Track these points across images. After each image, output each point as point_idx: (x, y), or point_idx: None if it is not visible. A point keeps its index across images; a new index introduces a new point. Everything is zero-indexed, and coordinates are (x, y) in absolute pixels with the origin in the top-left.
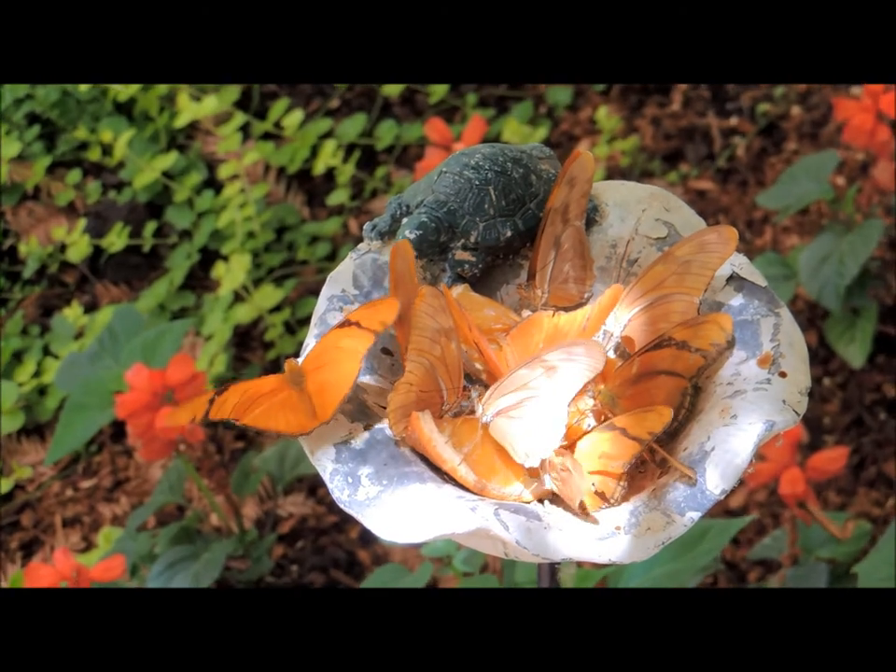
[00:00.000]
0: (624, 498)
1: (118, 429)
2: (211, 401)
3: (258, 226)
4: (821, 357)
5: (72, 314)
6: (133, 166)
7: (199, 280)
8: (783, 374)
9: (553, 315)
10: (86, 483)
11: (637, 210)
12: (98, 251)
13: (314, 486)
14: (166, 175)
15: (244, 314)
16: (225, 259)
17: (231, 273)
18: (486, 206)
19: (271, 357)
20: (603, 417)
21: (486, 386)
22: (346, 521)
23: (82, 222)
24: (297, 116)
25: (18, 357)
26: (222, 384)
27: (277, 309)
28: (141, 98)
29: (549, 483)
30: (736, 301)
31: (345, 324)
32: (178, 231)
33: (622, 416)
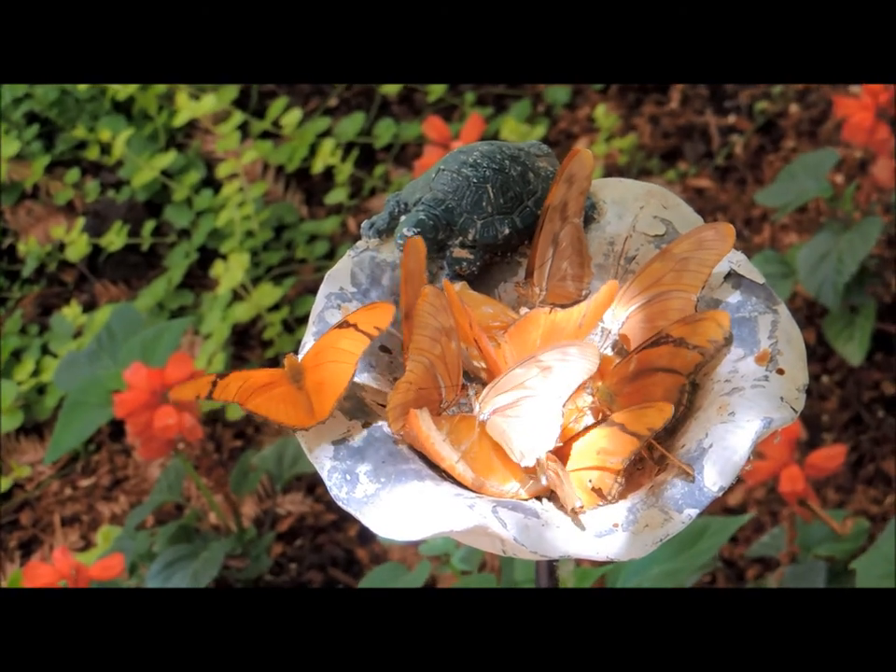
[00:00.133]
0: (622, 496)
1: (116, 428)
2: (214, 383)
3: (256, 225)
4: (820, 354)
5: (71, 313)
6: (131, 165)
7: (197, 279)
8: (781, 371)
9: (551, 312)
10: (85, 482)
11: (635, 207)
12: (97, 250)
13: (312, 485)
14: (165, 173)
15: (242, 312)
16: (224, 257)
17: (230, 271)
18: (484, 204)
19: (269, 355)
20: (601, 414)
21: (484, 384)
22: (345, 519)
23: (81, 221)
24: (295, 114)
25: (17, 355)
26: (221, 374)
27: (276, 308)
28: (140, 97)
29: (545, 481)
30: (734, 298)
31: (343, 325)
32: (177, 230)
33: (620, 412)
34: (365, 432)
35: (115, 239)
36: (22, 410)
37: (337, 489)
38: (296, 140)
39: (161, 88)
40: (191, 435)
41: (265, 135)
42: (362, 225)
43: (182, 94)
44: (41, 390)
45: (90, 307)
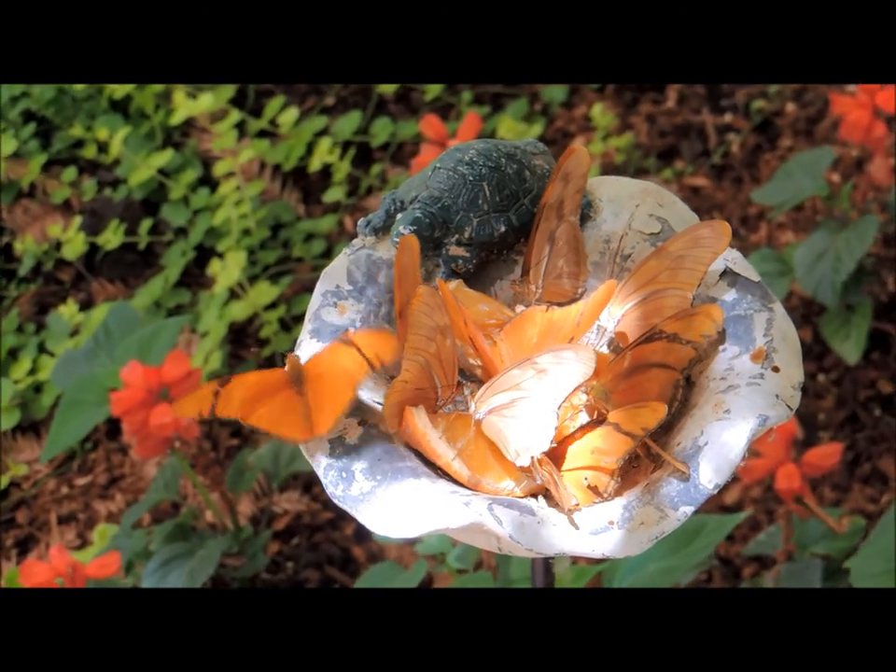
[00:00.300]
0: (618, 493)
1: (113, 427)
2: (216, 394)
3: (253, 223)
4: (816, 353)
5: (67, 311)
6: (128, 163)
7: (194, 277)
8: (776, 369)
9: (547, 310)
10: (81, 481)
11: (631, 205)
12: (93, 248)
13: (309, 483)
14: (162, 172)
15: (239, 311)
16: (220, 256)
17: (227, 270)
18: (480, 202)
19: (266, 353)
20: (595, 412)
21: (481, 382)
22: (341, 518)
23: (78, 220)
24: (292, 113)
25: (13, 354)
26: (222, 379)
27: (272, 306)
28: (137, 96)
29: (540, 480)
30: (730, 296)
31: (347, 341)
32: (174, 229)
33: (615, 412)
34: (361, 430)
35: (112, 237)
36: (19, 408)
37: (333, 487)
38: (293, 139)
39: (157, 87)
40: (188, 433)
41: (262, 134)
42: (358, 223)
43: (179, 93)
44: (38, 388)
45: (86, 305)
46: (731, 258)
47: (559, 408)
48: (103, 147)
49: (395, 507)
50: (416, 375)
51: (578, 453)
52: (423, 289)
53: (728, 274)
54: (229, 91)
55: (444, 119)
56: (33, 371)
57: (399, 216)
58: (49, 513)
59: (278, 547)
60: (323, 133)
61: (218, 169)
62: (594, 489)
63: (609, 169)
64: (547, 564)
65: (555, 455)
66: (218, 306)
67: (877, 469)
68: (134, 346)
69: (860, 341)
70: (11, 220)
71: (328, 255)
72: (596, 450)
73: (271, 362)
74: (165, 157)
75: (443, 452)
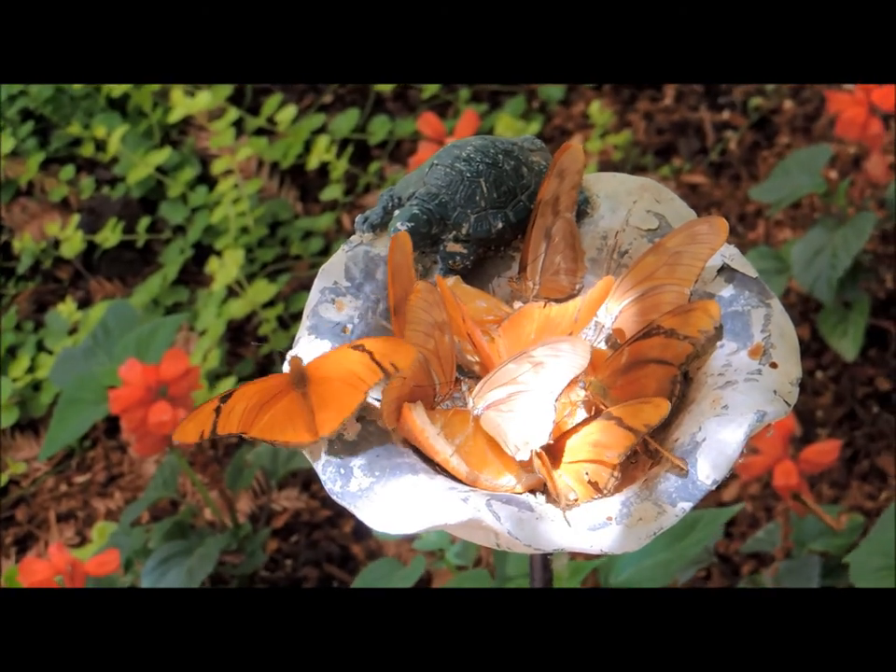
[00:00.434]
0: (617, 489)
1: (111, 424)
2: (217, 410)
3: (251, 221)
4: (814, 350)
5: (66, 309)
6: (126, 162)
7: (192, 275)
8: (774, 365)
9: (545, 307)
10: (80, 479)
11: (628, 202)
12: (92, 247)
13: (307, 481)
14: (160, 170)
15: (237, 309)
16: (218, 254)
17: (225, 268)
18: (478, 198)
19: (264, 351)
20: (594, 408)
21: (479, 378)
22: (340, 515)
23: (76, 218)
24: (290, 111)
25: (12, 352)
26: (224, 393)
27: (271, 304)
28: (134, 94)
29: (539, 474)
30: (727, 292)
31: (360, 347)
32: (172, 227)
33: (617, 406)
34: (359, 426)
35: (110, 236)
36: (18, 406)
37: (331, 483)
38: (291, 137)
39: (155, 85)
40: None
41: (260, 132)
42: (356, 219)
43: (177, 91)
44: (36, 387)
45: (85, 304)
46: (728, 254)
47: (557, 400)
48: (101, 146)
49: (393, 503)
50: (414, 371)
51: (578, 445)
52: (421, 286)
53: (725, 270)
54: (226, 89)
55: (442, 117)
56: (31, 370)
57: (396, 212)
58: (47, 511)
59: (277, 544)
60: (321, 130)
61: (216, 167)
62: (594, 484)
63: (606, 166)
64: (545, 560)
65: (554, 451)
66: (217, 304)
67: (875, 465)
68: (133, 344)
69: (857, 337)
70: (9, 219)
71: (325, 252)
72: (598, 444)
73: (269, 360)
74: (163, 155)
75: (441, 448)
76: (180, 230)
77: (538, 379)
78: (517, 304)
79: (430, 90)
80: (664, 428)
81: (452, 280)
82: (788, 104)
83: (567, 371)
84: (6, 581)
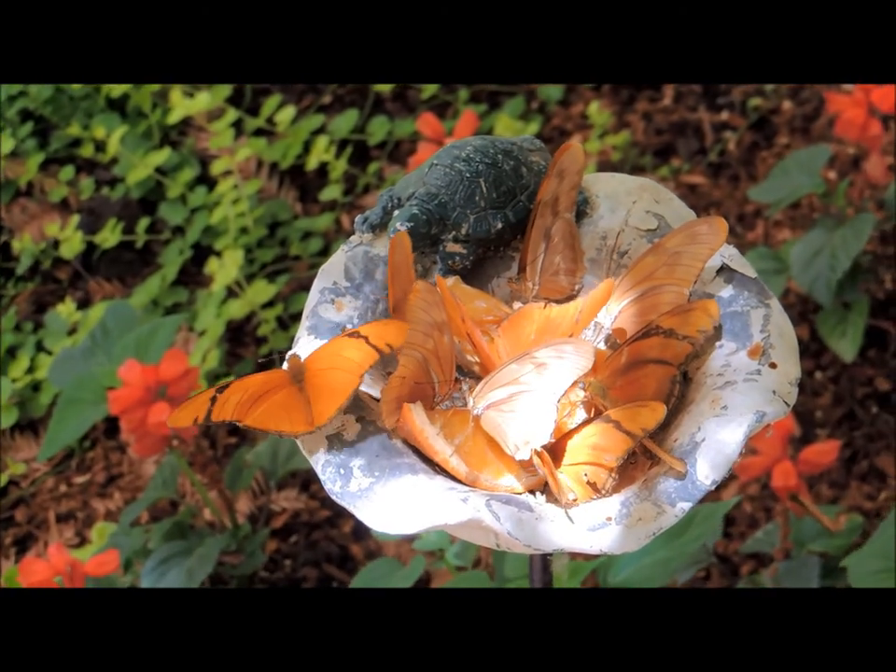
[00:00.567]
0: (616, 490)
1: (111, 425)
2: (213, 400)
3: (250, 222)
4: (813, 350)
5: (65, 310)
6: (126, 162)
7: (192, 276)
8: (773, 365)
9: (545, 307)
10: (79, 479)
11: (628, 202)
12: (91, 247)
13: (307, 481)
14: (159, 171)
15: (236, 309)
16: (218, 254)
17: (224, 268)
18: (477, 198)
19: (263, 352)
20: (593, 409)
21: (478, 378)
22: (339, 516)
23: (75, 218)
24: (289, 112)
25: (11, 352)
26: (221, 384)
27: (270, 304)
28: (134, 95)
29: (540, 473)
30: (726, 292)
31: (354, 335)
32: (171, 227)
33: (615, 410)
34: (359, 426)
35: (109, 236)
36: (17, 407)
37: (331, 483)
38: (290, 137)
39: (155, 86)
40: (186, 432)
41: (259, 132)
42: (356, 219)
43: (176, 92)
44: (36, 387)
45: (84, 304)
46: (727, 254)
47: (558, 402)
48: (100, 146)
49: (393, 503)
50: (414, 371)
51: (577, 447)
52: (420, 285)
53: (725, 271)
54: (226, 89)
55: (441, 118)
56: (31, 370)
57: (395, 212)
58: (47, 512)
59: (276, 545)
60: (320, 131)
61: (216, 167)
62: (592, 485)
63: (605, 167)
64: (545, 560)
65: (554, 451)
66: (216, 305)
67: (875, 466)
68: (132, 345)
69: (856, 338)
70: (9, 219)
71: (325, 253)
72: (597, 446)
73: (269, 361)
74: (163, 156)
75: (441, 448)
76: (179, 230)
77: (540, 380)
78: (516, 305)
79: (429, 90)
80: (663, 429)
81: (451, 280)
82: (787, 104)
83: (570, 372)
84: (5, 581)
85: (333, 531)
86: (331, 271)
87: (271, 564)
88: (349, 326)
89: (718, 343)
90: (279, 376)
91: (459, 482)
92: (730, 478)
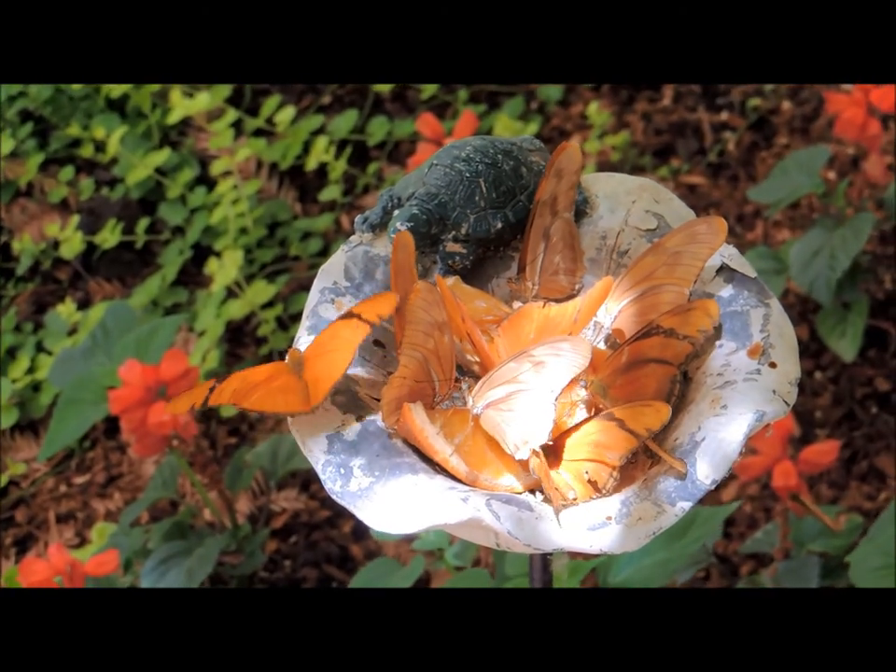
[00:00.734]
0: (616, 490)
1: (111, 425)
2: (211, 389)
3: (250, 222)
4: (813, 350)
5: (65, 310)
6: (125, 163)
7: (191, 276)
8: (773, 365)
9: (544, 307)
10: (79, 479)
11: (627, 202)
12: (91, 248)
13: (307, 481)
14: (159, 171)
15: (236, 309)
16: (217, 255)
17: (224, 268)
18: (477, 198)
19: (263, 352)
20: (594, 408)
21: (478, 378)
22: (339, 516)
23: (75, 219)
24: (289, 112)
25: (11, 353)
26: (221, 377)
27: (270, 305)
28: (133, 95)
29: (536, 474)
30: (726, 291)
31: (347, 315)
32: (171, 228)
33: (620, 408)
34: (359, 426)
35: (109, 236)
36: (17, 407)
37: (331, 482)
38: (289, 137)
39: (154, 86)
40: (186, 432)
41: (259, 133)
42: (356, 219)
43: (176, 92)
44: (36, 387)
45: (84, 304)
46: (727, 254)
47: (557, 400)
48: (100, 147)
49: (393, 503)
50: (414, 371)
51: (580, 443)
52: (421, 285)
53: (725, 270)
54: (225, 90)
55: (441, 118)
56: (31, 370)
57: (395, 212)
58: (47, 512)
59: (276, 545)
60: (319, 131)
61: (215, 168)
62: (593, 483)
63: (605, 167)
64: (545, 560)
65: (554, 450)
66: (216, 305)
67: (874, 466)
68: (132, 345)
69: (856, 338)
70: (9, 219)
71: (324, 253)
72: (600, 444)
73: (269, 360)
74: (162, 156)
75: (441, 448)
76: (179, 230)
77: (538, 378)
78: (516, 304)
79: (429, 90)
80: (663, 428)
81: (451, 280)
82: (786, 104)
83: (567, 370)
84: (5, 581)
85: (333, 531)
86: (331, 271)
87: (270, 564)
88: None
89: (718, 343)
90: (279, 367)
91: (459, 481)
92: (730, 478)
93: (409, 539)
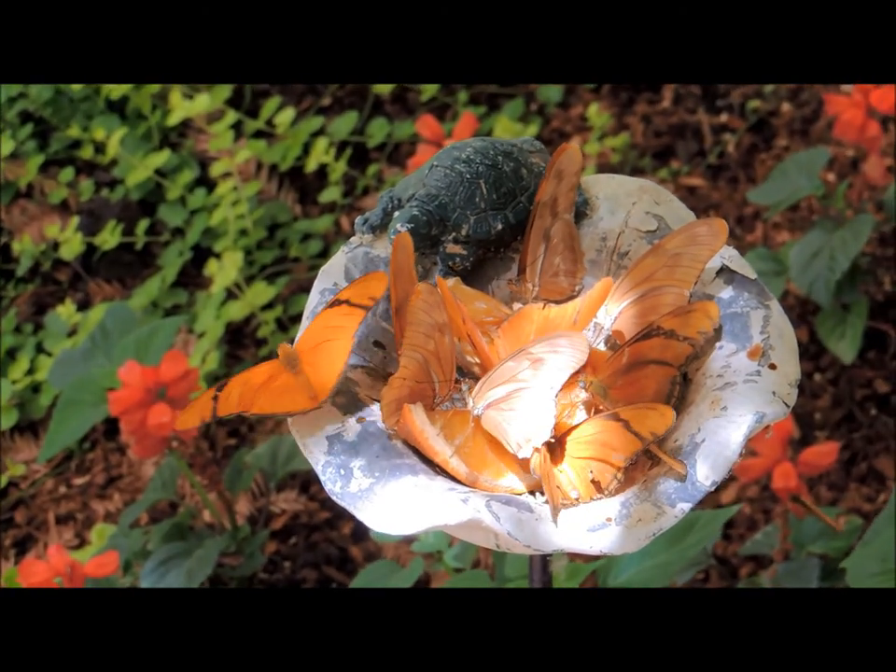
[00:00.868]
0: (618, 491)
1: (111, 426)
2: (215, 398)
3: (250, 223)
4: (812, 352)
5: (65, 311)
6: (125, 164)
7: (191, 277)
8: (773, 366)
9: (544, 308)
10: (79, 480)
11: (628, 203)
12: (91, 249)
13: (306, 483)
14: (159, 172)
15: (236, 311)
16: (217, 256)
17: (224, 270)
18: (477, 200)
19: (263, 353)
20: (594, 409)
21: (478, 379)
22: (339, 517)
23: (75, 220)
24: (289, 114)
25: (11, 354)
26: (220, 384)
27: (269, 306)
28: (133, 96)
29: (537, 473)
30: (726, 293)
31: (335, 303)
32: (171, 229)
33: (625, 409)
34: (359, 427)
35: (109, 238)
36: (17, 408)
37: (331, 483)
38: (289, 139)
39: (154, 87)
40: (185, 433)
41: (259, 134)
42: (356, 221)
43: (176, 94)
44: (36, 389)
45: (84, 306)
46: (727, 255)
47: (557, 397)
48: (100, 148)
49: (393, 504)
50: (414, 372)
51: (585, 440)
52: (422, 287)
53: (725, 272)
54: (225, 91)
55: (441, 120)
56: (31, 372)
57: (396, 213)
58: (47, 513)
59: (276, 546)
60: (319, 133)
61: (215, 169)
62: (596, 484)
63: (605, 169)
64: (544, 561)
65: (557, 448)
66: (215, 306)
67: (874, 468)
68: (132, 346)
69: (855, 340)
70: (9, 221)
71: (324, 255)
72: (606, 444)
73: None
74: (162, 157)
75: (441, 449)
76: (179, 232)
77: (537, 375)
78: (516, 306)
79: (429, 92)
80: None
81: (451, 281)
82: (786, 106)
83: (566, 366)
84: (5, 582)
85: (333, 533)
86: (332, 272)
87: (270, 565)
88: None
89: (718, 345)
90: (273, 366)
91: (459, 482)
92: (729, 479)
93: (408, 540)
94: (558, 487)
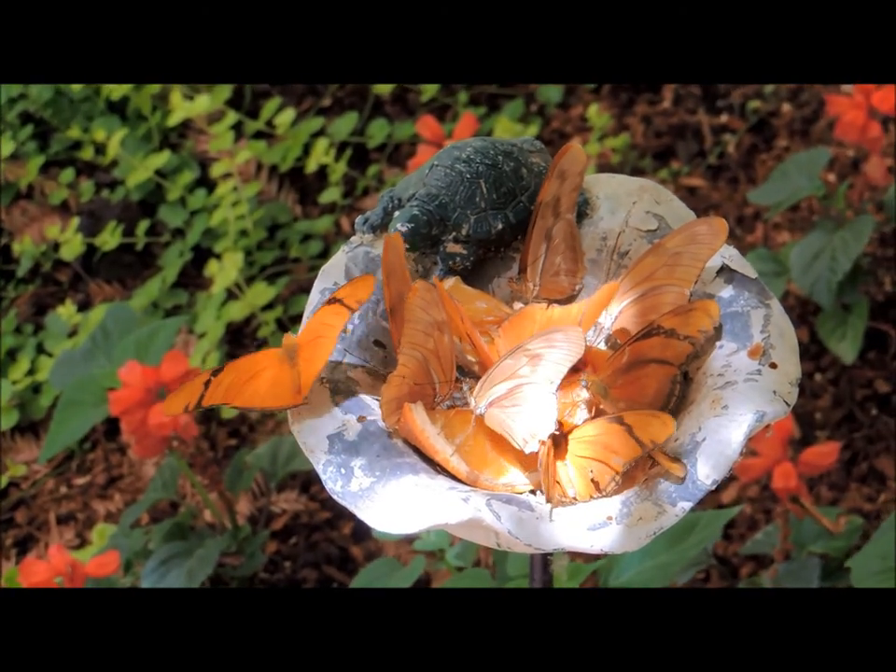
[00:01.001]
0: (616, 492)
1: (111, 426)
2: (207, 383)
3: (250, 224)
4: (813, 352)
5: (65, 312)
6: (126, 165)
7: (192, 278)
8: (773, 365)
9: (547, 308)
10: (80, 481)
11: (628, 203)
12: (91, 249)
13: (307, 483)
14: (159, 173)
15: (236, 311)
16: (218, 257)
17: (224, 270)
18: (478, 199)
19: None
20: (594, 408)
21: (478, 378)
22: (339, 517)
23: (75, 221)
24: (289, 114)
25: (12, 355)
26: (217, 368)
27: (270, 307)
28: (134, 97)
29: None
30: (727, 292)
31: (331, 301)
32: (171, 230)
33: (630, 413)
34: (360, 426)
35: (109, 238)
36: (18, 409)
37: (332, 483)
38: (289, 140)
39: (154, 88)
40: (186, 433)
41: (259, 135)
42: (356, 220)
43: (176, 94)
44: (36, 389)
45: (84, 306)
46: (728, 254)
47: (557, 391)
48: (100, 149)
49: (394, 503)
50: (414, 370)
51: (588, 440)
52: (420, 284)
53: (725, 271)
54: (225, 92)
55: (441, 120)
56: (31, 372)
57: (396, 213)
58: (47, 513)
59: (276, 546)
60: (320, 134)
61: (215, 170)
62: (595, 484)
63: (605, 169)
64: (545, 560)
65: (561, 444)
66: (216, 307)
67: (874, 468)
68: (132, 347)
69: (856, 340)
70: (9, 221)
71: (324, 255)
72: (608, 447)
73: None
74: (162, 158)
75: (442, 448)
76: (179, 232)
77: (536, 371)
78: (517, 305)
79: (429, 93)
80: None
81: (452, 281)
82: (786, 107)
83: (564, 360)
84: (6, 582)
85: (333, 533)
86: (332, 271)
87: (271, 565)
88: (350, 326)
89: (718, 344)
90: (273, 354)
91: (460, 481)
92: (730, 479)
93: (409, 539)
94: (558, 482)
